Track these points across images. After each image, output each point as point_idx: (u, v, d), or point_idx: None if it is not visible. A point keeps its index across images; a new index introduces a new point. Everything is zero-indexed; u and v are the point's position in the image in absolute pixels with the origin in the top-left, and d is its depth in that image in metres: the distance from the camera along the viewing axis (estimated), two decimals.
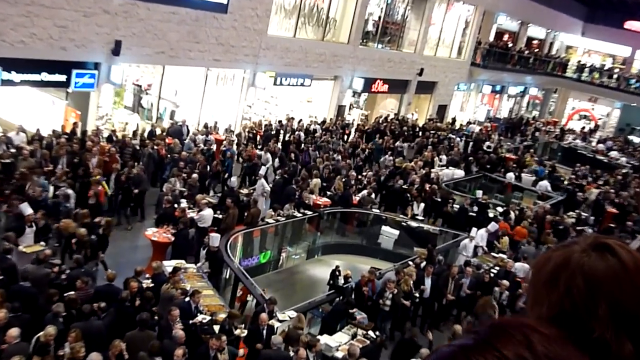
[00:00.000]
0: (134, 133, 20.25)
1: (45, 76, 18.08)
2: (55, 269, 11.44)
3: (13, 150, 16.25)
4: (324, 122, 27.61)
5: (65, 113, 19.94)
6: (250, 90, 24.98)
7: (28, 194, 14.28)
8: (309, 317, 14.01)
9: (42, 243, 12.67)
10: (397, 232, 19.40)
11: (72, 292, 10.55)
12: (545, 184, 26.52)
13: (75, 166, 16.61)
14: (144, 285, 11.60)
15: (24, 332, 9.16)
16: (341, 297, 13.85)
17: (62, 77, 18.47)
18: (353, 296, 13.89)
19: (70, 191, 14.97)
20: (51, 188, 15.22)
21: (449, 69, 36.10)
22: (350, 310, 13.05)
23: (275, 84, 25.86)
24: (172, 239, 14.48)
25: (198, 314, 11.29)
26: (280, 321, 11.65)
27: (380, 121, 30.86)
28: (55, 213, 14.10)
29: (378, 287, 14.20)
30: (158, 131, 20.94)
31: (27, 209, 13.21)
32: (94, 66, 19.17)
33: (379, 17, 30.77)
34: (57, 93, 20.10)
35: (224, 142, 21.79)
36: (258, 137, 24.22)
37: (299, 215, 17.59)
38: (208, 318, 11.23)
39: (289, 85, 26.66)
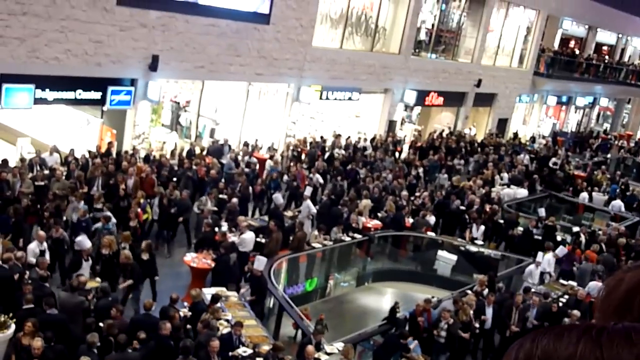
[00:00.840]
0: (172, 153, 20.56)
1: (80, 94, 18.58)
2: (89, 297, 11.63)
3: (46, 172, 16.66)
4: (373, 138, 27.58)
5: (100, 132, 20.41)
6: (295, 106, 25.15)
7: (64, 218, 14.66)
8: (359, 349, 13.90)
9: (98, 279, 12.90)
10: (454, 257, 19.14)
11: (110, 320, 10.70)
12: (619, 204, 25.86)
13: (110, 188, 16.93)
14: (182, 314, 11.68)
15: None
16: (394, 329, 13.69)
17: (98, 95, 18.94)
18: (407, 327, 13.72)
19: (109, 214, 15.26)
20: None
21: (510, 79, 35.69)
22: (403, 341, 12.87)
23: (321, 98, 25.97)
24: (212, 264, 14.57)
25: (240, 346, 11.30)
26: (328, 354, 11.57)
27: (435, 137, 30.65)
28: (93, 236, 14.39)
29: (434, 317, 14.00)
30: (197, 150, 21.22)
31: (85, 242, 13.60)
32: (131, 82, 19.61)
33: (432, 25, 30.68)
34: (92, 111, 20.61)
35: (268, 161, 21.94)
36: (303, 156, 24.29)
37: (348, 239, 17.52)
38: (250, 351, 11.23)
39: (335, 99, 26.75)
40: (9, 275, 11.59)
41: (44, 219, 14.81)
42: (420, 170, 25.10)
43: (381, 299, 18.29)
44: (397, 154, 27.68)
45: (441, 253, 19.35)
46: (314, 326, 13.45)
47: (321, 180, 21.32)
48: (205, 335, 10.94)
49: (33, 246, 13.01)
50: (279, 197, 18.28)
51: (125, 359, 9.67)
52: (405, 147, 29.11)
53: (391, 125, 29.86)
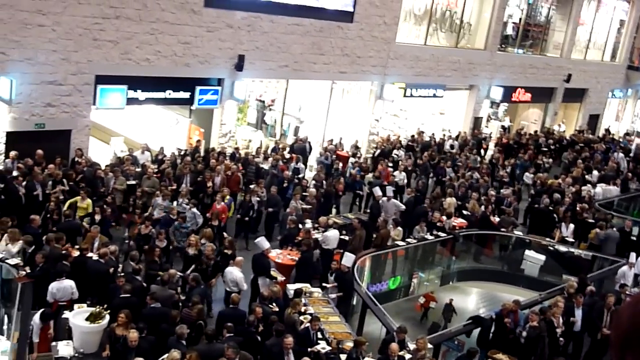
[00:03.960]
0: (257, 150, 20.96)
1: (169, 94, 19.22)
2: (179, 289, 12.05)
3: (138, 170, 17.31)
4: (458, 135, 27.27)
5: (189, 131, 21.03)
6: (378, 103, 25.16)
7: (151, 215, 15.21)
8: (444, 349, 13.79)
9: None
10: (542, 257, 18.69)
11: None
12: None
13: (198, 185, 17.43)
14: (271, 310, 11.91)
15: (150, 355, 9.69)
16: (479, 329, 13.53)
17: (186, 94, 19.55)
18: (493, 327, 13.53)
19: (196, 211, 15.70)
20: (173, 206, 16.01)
21: (602, 73, 34.55)
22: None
23: (404, 95, 25.89)
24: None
25: (318, 342, 11.42)
26: (411, 352, 11.55)
27: (522, 133, 30.01)
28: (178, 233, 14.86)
29: (521, 319, 13.75)
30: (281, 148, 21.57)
31: (264, 242, 14.14)
32: (217, 82, 20.13)
33: (520, 19, 30.08)
34: (180, 111, 21.26)
35: (350, 160, 22.05)
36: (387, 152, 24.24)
37: (431, 237, 17.41)
38: (328, 348, 11.33)
39: (419, 96, 26.61)
40: (105, 269, 12.14)
41: (135, 215, 15.42)
42: (509, 169, 24.60)
43: (466, 299, 18.06)
44: (482, 152, 27.27)
45: (529, 253, 18.92)
46: (442, 311, 15.31)
47: (405, 179, 21.22)
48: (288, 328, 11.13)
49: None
50: (377, 190, 18.33)
51: (212, 350, 9.96)
52: (491, 145, 28.62)
53: (476, 122, 29.46)
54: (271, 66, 21.20)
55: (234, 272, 13.07)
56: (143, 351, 9.74)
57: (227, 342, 10.03)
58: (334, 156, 22.23)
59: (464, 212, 19.50)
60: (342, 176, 20.45)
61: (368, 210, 19.02)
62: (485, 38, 28.27)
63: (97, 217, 14.49)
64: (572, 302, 14.29)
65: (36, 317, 10.67)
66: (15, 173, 15.34)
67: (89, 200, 14.97)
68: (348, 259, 13.85)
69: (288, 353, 10.47)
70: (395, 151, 23.61)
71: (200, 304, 11.43)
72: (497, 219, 19.26)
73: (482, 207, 19.41)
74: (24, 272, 11.84)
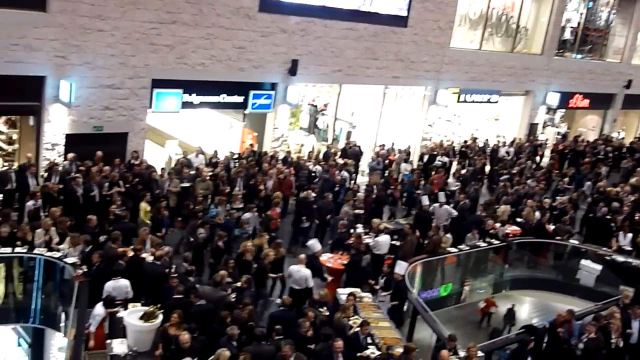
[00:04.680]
0: (309, 155, 21.05)
1: (223, 98, 19.52)
2: (229, 290, 12.20)
3: (192, 172, 17.59)
4: (513, 142, 26.90)
5: (242, 135, 21.29)
6: (431, 109, 25.03)
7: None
8: (495, 358, 13.64)
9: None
10: (599, 267, 18.28)
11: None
12: None
13: (250, 188, 17.61)
14: (321, 314, 11.96)
15: (202, 355, 9.85)
16: (532, 337, 13.32)
17: (240, 99, 19.82)
18: (546, 337, 13.32)
19: (249, 215, 15.86)
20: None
21: None
22: None
23: (458, 100, 25.71)
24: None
25: (368, 347, 11.42)
26: (461, 359, 11.45)
27: (579, 141, 29.42)
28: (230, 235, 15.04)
29: (575, 330, 13.50)
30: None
31: (317, 245, 14.49)
32: (271, 87, 20.33)
33: (578, 24, 29.56)
34: (234, 115, 21.54)
35: (403, 165, 21.98)
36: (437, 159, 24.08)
37: (484, 245, 17.22)
38: (377, 352, 11.32)
39: (473, 102, 26.38)
40: (161, 271, 12.39)
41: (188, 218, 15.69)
42: (566, 178, 24.04)
43: (519, 308, 17.80)
44: (538, 159, 26.85)
45: (584, 262, 18.52)
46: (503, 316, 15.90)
47: (458, 185, 21.04)
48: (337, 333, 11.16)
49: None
50: (425, 199, 18.22)
51: (261, 352, 10.05)
52: (547, 152, 28.15)
53: (532, 128, 29.03)
54: (324, 71, 21.30)
55: (301, 270, 13.38)
56: (195, 352, 9.89)
57: (284, 340, 10.16)
58: (387, 161, 22.20)
59: (518, 219, 19.22)
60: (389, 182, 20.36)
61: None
62: (542, 43, 27.86)
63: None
64: (628, 313, 13.97)
65: (99, 307, 11.02)
66: (73, 174, 15.79)
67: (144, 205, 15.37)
68: (401, 267, 13.80)
69: (338, 357, 10.50)
70: (439, 157, 23.37)
71: (251, 305, 11.54)
72: (552, 227, 18.93)
73: (537, 215, 19.09)
74: (80, 271, 12.19)
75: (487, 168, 24.42)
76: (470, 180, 21.76)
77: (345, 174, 19.65)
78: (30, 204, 14.42)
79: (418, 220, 17.51)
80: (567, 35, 29.48)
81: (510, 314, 16.79)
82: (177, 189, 16.79)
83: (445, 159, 23.14)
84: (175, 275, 12.31)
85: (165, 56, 17.84)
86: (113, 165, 16.48)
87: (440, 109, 25.45)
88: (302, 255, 13.91)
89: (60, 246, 13.12)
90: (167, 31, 17.68)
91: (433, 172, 21.91)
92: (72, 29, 16.19)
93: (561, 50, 29.14)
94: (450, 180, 21.33)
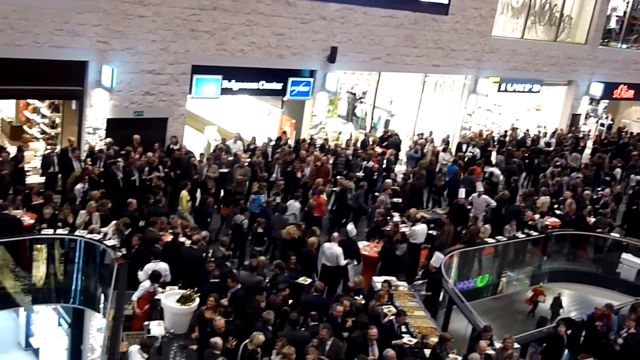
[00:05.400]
0: (347, 143, 21.06)
1: (262, 84, 19.60)
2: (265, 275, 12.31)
3: (230, 158, 17.73)
4: (554, 133, 26.51)
5: (280, 122, 21.37)
6: (471, 98, 24.80)
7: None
8: (531, 350, 13.55)
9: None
10: None
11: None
12: None
13: (288, 175, 17.69)
14: (356, 302, 11.99)
15: (237, 338, 9.96)
16: (569, 330, 13.19)
17: (279, 86, 19.89)
18: (584, 331, 13.17)
19: (292, 202, 15.94)
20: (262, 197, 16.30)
21: None
22: None
23: (499, 90, 25.42)
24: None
25: (402, 335, 11.43)
26: (497, 350, 11.38)
27: (624, 132, 28.88)
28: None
29: (614, 324, 13.32)
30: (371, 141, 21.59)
31: (354, 229, 14.65)
32: (310, 74, 20.34)
33: (624, 13, 28.97)
34: (273, 101, 21.62)
35: (441, 154, 21.83)
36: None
37: (522, 236, 17.05)
38: (414, 340, 11.32)
39: (514, 91, 26.06)
40: (198, 255, 12.54)
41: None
42: (618, 171, 23.55)
43: (550, 302, 17.63)
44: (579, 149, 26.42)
45: (625, 256, 18.24)
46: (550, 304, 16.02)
47: (500, 177, 20.75)
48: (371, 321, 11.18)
49: None
50: (462, 192, 18.06)
51: (295, 337, 10.12)
52: (589, 143, 27.69)
53: (574, 119, 28.58)
54: (363, 58, 21.24)
55: (333, 248, 13.63)
56: (230, 335, 10.00)
57: (322, 324, 10.25)
58: (425, 150, 22.07)
59: (557, 211, 18.98)
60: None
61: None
62: (586, 32, 27.35)
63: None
64: None
65: (146, 282, 11.31)
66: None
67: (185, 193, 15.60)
68: (437, 259, 13.76)
69: (372, 344, 10.53)
70: (470, 149, 23.05)
71: (285, 290, 11.62)
72: (593, 220, 18.65)
73: (575, 207, 18.81)
74: (120, 254, 12.40)
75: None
76: (511, 171, 21.50)
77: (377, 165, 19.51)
78: (79, 187, 14.69)
79: (453, 212, 17.36)
80: (613, 24, 28.88)
81: (558, 303, 16.80)
82: (215, 175, 16.93)
83: (477, 150, 22.76)
84: (212, 259, 12.45)
85: (205, 42, 17.97)
86: (155, 149, 16.68)
87: (480, 98, 25.20)
88: (336, 234, 14.16)
89: (101, 229, 13.37)
90: (208, 17, 17.79)
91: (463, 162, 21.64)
92: (115, 14, 16.40)
93: (606, 40, 28.58)
94: (494, 170, 20.94)
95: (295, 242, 13.91)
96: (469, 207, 17.84)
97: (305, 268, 13.10)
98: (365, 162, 19.33)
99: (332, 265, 13.59)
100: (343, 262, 13.64)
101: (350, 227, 14.75)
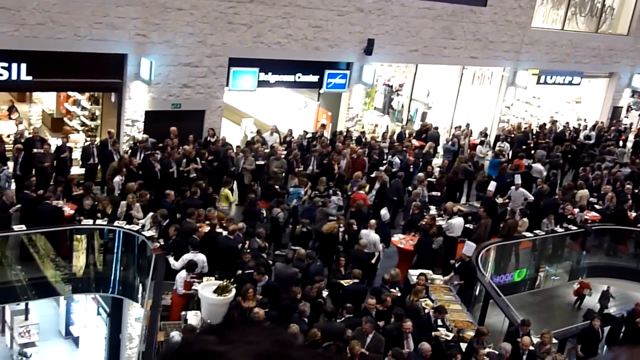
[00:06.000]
0: (383, 135, 20.97)
1: (299, 77, 19.61)
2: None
3: (267, 151, 17.79)
4: (595, 125, 26.05)
5: (316, 114, 21.37)
6: (510, 90, 24.50)
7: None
8: (569, 346, 13.39)
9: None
10: None
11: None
12: None
13: (324, 168, 17.68)
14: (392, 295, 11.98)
15: None
16: (608, 327, 13.00)
17: (315, 78, 19.88)
18: (623, 327, 12.97)
19: (334, 197, 15.94)
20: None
21: None
22: None
23: (538, 82, 25.05)
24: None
25: (438, 329, 11.37)
26: (535, 345, 11.26)
27: None
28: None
29: None
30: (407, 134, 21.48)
31: (387, 214, 15.09)
32: (346, 66, 20.29)
33: None
34: (309, 94, 21.62)
35: (479, 147, 21.62)
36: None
37: (561, 230, 16.81)
38: (451, 334, 11.27)
39: (554, 83, 25.65)
40: (234, 245, 12.64)
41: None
42: None
43: (595, 296, 17.38)
44: (621, 143, 25.93)
45: None
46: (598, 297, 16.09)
47: (543, 171, 20.39)
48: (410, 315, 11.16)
49: None
50: (492, 185, 17.84)
51: (331, 328, 10.15)
52: (631, 136, 27.16)
53: (615, 112, 28.05)
54: (400, 50, 21.11)
55: (370, 235, 14.06)
56: None
57: (365, 317, 10.27)
58: (462, 143, 21.86)
59: (596, 206, 18.66)
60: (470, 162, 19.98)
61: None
62: (628, 23, 26.79)
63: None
64: None
65: (182, 272, 11.41)
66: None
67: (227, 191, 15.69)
68: (469, 248, 13.66)
69: (407, 337, 10.51)
70: (499, 143, 22.66)
71: (321, 282, 11.65)
72: (634, 214, 18.29)
73: (616, 201, 18.47)
74: (158, 244, 12.56)
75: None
76: (553, 165, 21.17)
77: (396, 159, 19.17)
78: (117, 179, 14.89)
79: (484, 205, 17.13)
80: None
81: (606, 296, 16.63)
82: (252, 167, 17.01)
83: (506, 145, 22.35)
84: (249, 251, 12.53)
85: (242, 35, 18.03)
86: (189, 141, 16.80)
87: (519, 90, 24.88)
88: (373, 221, 14.45)
89: (140, 220, 13.54)
90: (245, 10, 17.85)
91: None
92: (153, 7, 16.55)
93: None
94: (536, 165, 20.56)
95: (333, 237, 13.96)
96: (507, 200, 17.64)
97: (356, 266, 13.02)
98: (390, 157, 19.09)
99: (368, 252, 13.88)
100: (380, 247, 14.07)
101: (384, 211, 14.98)
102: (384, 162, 18.92)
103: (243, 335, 0.98)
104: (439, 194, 17.70)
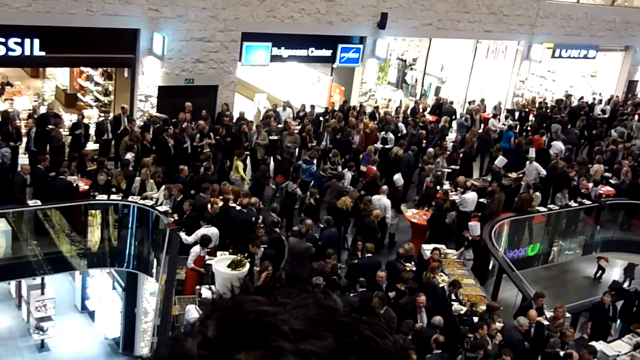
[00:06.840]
0: (397, 110, 20.84)
1: (312, 51, 19.47)
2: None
3: (280, 126, 17.74)
4: (610, 100, 25.75)
5: (330, 89, 21.25)
6: (524, 64, 24.25)
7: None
8: (582, 320, 13.35)
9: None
10: None
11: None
12: None
13: (338, 142, 17.61)
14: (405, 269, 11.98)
15: None
16: (622, 301, 12.95)
17: (328, 52, 19.73)
18: (637, 302, 12.91)
19: (347, 172, 15.89)
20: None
21: None
22: None
23: (553, 56, 24.78)
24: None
25: (452, 303, 11.38)
26: (549, 320, 11.24)
27: None
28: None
29: None
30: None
31: (400, 179, 15.17)
32: (359, 40, 20.12)
33: None
34: (322, 68, 21.49)
35: (491, 120, 21.45)
36: (531, 116, 23.34)
37: (575, 205, 16.70)
38: (465, 308, 11.27)
39: (569, 57, 25.36)
40: (248, 218, 12.64)
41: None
42: None
43: (609, 270, 17.32)
44: (636, 117, 25.65)
45: None
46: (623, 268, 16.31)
47: (562, 148, 20.18)
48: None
49: None
50: (501, 160, 17.68)
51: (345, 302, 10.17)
52: None
53: (631, 86, 27.71)
54: (414, 24, 20.88)
55: (382, 199, 14.25)
56: None
57: (376, 293, 10.29)
58: (476, 117, 21.67)
59: (611, 180, 18.49)
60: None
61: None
62: None
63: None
64: None
65: (196, 247, 11.41)
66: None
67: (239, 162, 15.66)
68: (474, 227, 13.58)
69: (421, 311, 10.52)
70: (504, 121, 22.34)
71: (334, 259, 11.65)
72: None
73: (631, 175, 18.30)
74: (172, 219, 12.58)
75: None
76: (571, 142, 20.94)
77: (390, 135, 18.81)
78: (129, 156, 14.88)
79: (494, 180, 16.99)
80: None
81: (631, 267, 16.61)
82: (265, 142, 16.97)
83: (510, 122, 22.08)
84: (262, 225, 12.53)
85: (255, 9, 17.89)
86: (201, 117, 16.75)
87: (533, 64, 24.62)
88: (385, 187, 14.57)
89: (154, 195, 13.56)
90: None
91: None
92: None
93: None
94: (555, 143, 20.31)
95: (344, 212, 13.94)
96: (521, 175, 17.52)
97: (367, 239, 13.02)
98: (384, 133, 18.73)
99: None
100: (391, 212, 14.21)
101: (397, 176, 15.15)
102: (399, 135, 18.80)
103: (291, 297, 1.00)
104: (457, 167, 17.60)
